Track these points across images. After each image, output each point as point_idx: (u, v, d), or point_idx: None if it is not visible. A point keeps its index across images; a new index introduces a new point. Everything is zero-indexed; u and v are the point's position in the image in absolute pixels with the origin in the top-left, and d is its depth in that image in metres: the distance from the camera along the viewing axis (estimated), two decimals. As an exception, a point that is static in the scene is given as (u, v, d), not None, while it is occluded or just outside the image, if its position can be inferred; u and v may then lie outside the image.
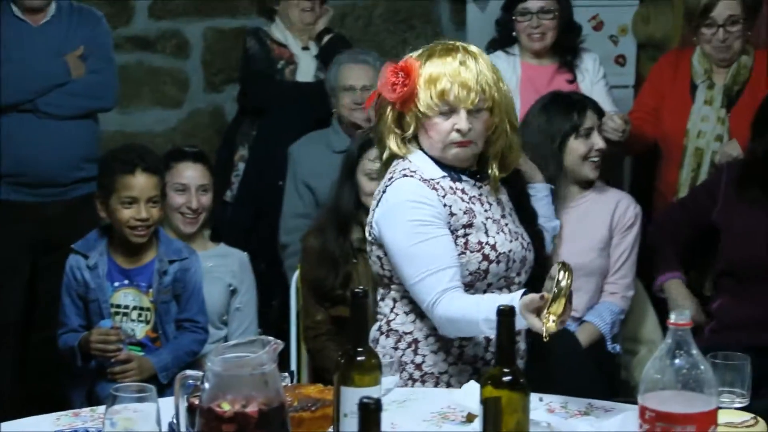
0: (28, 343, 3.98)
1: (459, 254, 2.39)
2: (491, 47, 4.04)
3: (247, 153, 4.25)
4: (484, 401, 1.85)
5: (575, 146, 3.39)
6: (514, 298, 2.21)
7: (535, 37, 3.92)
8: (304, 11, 4.26)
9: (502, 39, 4.02)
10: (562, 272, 2.14)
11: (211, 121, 5.01)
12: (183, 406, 1.96)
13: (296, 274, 3.48)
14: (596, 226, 3.44)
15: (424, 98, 2.37)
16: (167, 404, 1.98)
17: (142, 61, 4.92)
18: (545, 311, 2.15)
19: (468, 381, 2.30)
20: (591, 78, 3.99)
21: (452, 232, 2.40)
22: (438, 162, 2.45)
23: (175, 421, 1.99)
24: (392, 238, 2.41)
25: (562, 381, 2.88)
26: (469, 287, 2.42)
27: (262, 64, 4.27)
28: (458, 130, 2.38)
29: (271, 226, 3.92)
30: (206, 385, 1.83)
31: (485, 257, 2.41)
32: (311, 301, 3.27)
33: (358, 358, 1.95)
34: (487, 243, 2.41)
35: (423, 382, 2.48)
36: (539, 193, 2.63)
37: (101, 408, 2.19)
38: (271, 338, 1.88)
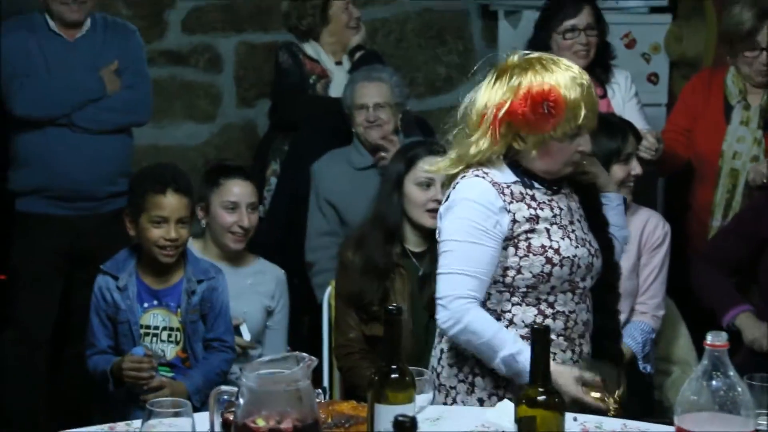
0: (61, 357, 4.00)
1: (522, 257, 2.46)
2: None
3: (279, 168, 4.26)
4: (519, 420, 1.86)
5: (615, 171, 3.36)
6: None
7: (582, 53, 3.92)
8: (350, 29, 4.29)
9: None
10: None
11: (243, 135, 5.04)
12: (218, 421, 1.97)
13: (328, 291, 3.49)
14: (627, 247, 3.43)
15: (562, 127, 2.42)
16: (201, 419, 1.99)
17: (175, 75, 4.95)
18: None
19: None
20: (623, 95, 3.99)
21: (515, 238, 2.47)
22: (514, 167, 2.50)
23: (209, 436, 2.00)
24: (446, 228, 2.49)
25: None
26: (533, 289, 2.48)
27: (294, 79, 4.29)
28: (582, 152, 2.48)
29: (303, 241, 3.92)
30: (241, 401, 1.84)
31: (548, 260, 2.46)
32: (345, 318, 3.27)
33: (392, 376, 1.96)
34: (550, 247, 2.47)
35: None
36: (612, 203, 2.63)
37: (137, 422, 2.20)
38: (305, 354, 1.89)
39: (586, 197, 2.59)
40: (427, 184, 3.21)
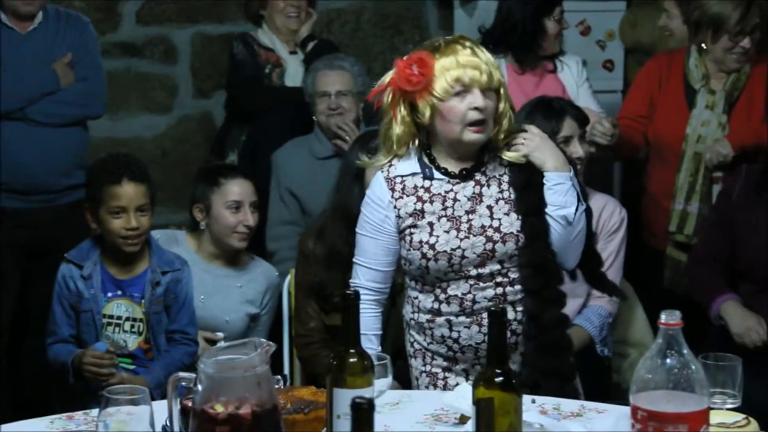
0: (20, 350, 3.97)
1: (407, 250, 2.60)
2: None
3: (237, 159, 4.25)
4: (477, 402, 1.87)
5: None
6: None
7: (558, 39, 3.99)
8: (288, 17, 4.28)
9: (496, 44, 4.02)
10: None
11: (200, 127, 5.02)
12: (176, 408, 1.97)
13: (288, 279, 3.49)
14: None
15: (440, 84, 2.51)
16: (160, 407, 1.98)
17: (130, 67, 4.93)
18: None
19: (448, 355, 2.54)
20: (575, 79, 4.02)
21: (402, 232, 2.61)
22: (431, 158, 2.60)
23: (168, 423, 1.99)
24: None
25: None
26: (421, 279, 2.62)
27: (249, 69, 4.28)
28: (476, 108, 2.51)
29: (263, 231, 3.92)
30: (199, 387, 1.83)
31: (423, 255, 2.57)
32: (305, 307, 3.26)
33: (350, 360, 1.96)
34: (426, 242, 2.57)
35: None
36: (548, 182, 2.60)
37: (95, 411, 2.19)
38: (263, 340, 1.89)
39: (518, 178, 2.60)
40: None
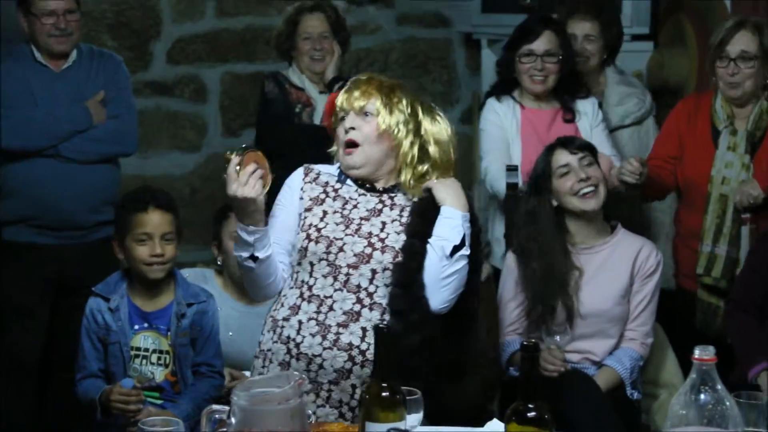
0: (47, 386, 4.00)
1: (298, 233, 2.74)
2: (493, 92, 4.08)
3: (265, 197, 4.27)
4: (510, 437, 1.88)
5: (556, 184, 3.44)
6: None
7: (537, 79, 3.95)
8: (313, 59, 4.32)
9: (504, 82, 4.05)
10: None
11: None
12: (209, 440, 1.98)
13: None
14: (618, 273, 3.46)
15: (334, 117, 2.79)
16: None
17: (161, 105, 4.99)
18: None
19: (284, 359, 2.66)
20: (590, 121, 4.02)
21: (300, 214, 2.77)
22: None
23: (201, 456, 2.00)
24: None
25: (582, 424, 2.89)
26: (300, 267, 2.73)
27: (280, 108, 4.32)
28: (345, 129, 2.72)
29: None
30: (232, 420, 1.85)
31: (308, 236, 2.72)
32: None
33: (383, 394, 1.97)
34: (314, 225, 2.72)
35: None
36: (442, 215, 2.75)
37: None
38: (296, 373, 1.92)
39: (420, 208, 2.75)
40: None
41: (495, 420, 2.28)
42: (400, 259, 2.68)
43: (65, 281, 3.88)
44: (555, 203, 3.48)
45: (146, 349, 3.24)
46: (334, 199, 2.76)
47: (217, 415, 1.97)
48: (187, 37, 5.01)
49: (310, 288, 2.69)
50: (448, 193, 2.75)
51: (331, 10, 4.38)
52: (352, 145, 2.73)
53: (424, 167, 2.76)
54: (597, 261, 3.47)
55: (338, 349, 2.64)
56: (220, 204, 3.91)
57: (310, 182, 2.80)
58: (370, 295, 2.67)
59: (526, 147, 3.95)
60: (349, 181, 2.79)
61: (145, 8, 4.93)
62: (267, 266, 2.68)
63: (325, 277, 2.68)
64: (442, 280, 2.69)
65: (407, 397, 2.06)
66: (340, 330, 2.65)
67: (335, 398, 2.67)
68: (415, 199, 2.76)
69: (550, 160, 3.48)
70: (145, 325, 3.25)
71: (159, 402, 3.23)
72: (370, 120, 2.72)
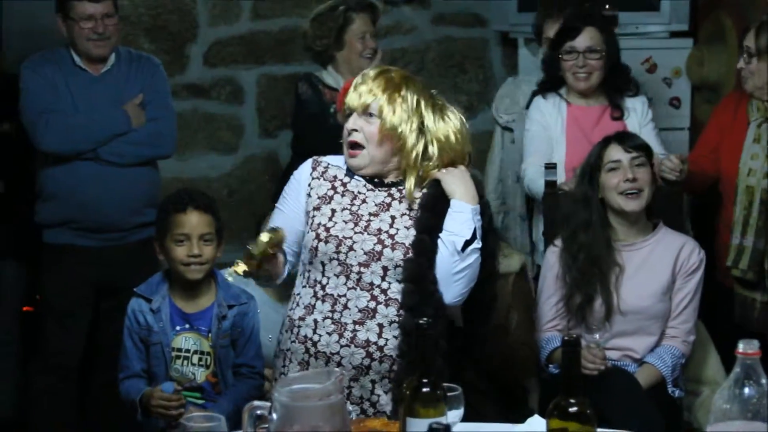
0: (89, 387, 4.04)
1: (307, 232, 2.76)
2: (540, 89, 4.08)
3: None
4: (551, 432, 1.88)
5: (603, 178, 3.44)
6: None
7: (581, 76, 3.95)
8: (365, 58, 4.33)
9: (550, 80, 4.06)
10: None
11: (265, 166, 5.10)
12: (251, 437, 2.00)
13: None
14: (660, 271, 3.45)
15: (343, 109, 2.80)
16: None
17: (197, 108, 5.02)
18: None
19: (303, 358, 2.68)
20: (639, 120, 4.01)
21: (308, 212, 2.78)
22: None
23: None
24: None
25: (623, 421, 2.87)
26: (311, 266, 2.75)
27: (314, 109, 4.34)
28: (349, 131, 2.74)
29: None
30: (274, 416, 1.87)
31: (317, 236, 2.72)
32: None
33: (423, 390, 1.98)
34: (323, 225, 2.73)
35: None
36: (451, 208, 2.74)
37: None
38: (336, 369, 1.93)
39: (430, 201, 2.74)
40: None
41: (536, 416, 2.27)
42: (410, 255, 2.68)
43: (105, 283, 3.92)
44: (600, 197, 3.47)
45: (187, 350, 3.26)
46: (343, 195, 2.77)
47: (258, 411, 1.99)
48: (224, 40, 5.04)
49: (323, 287, 2.71)
50: (458, 185, 2.73)
51: (376, 9, 4.39)
52: (355, 146, 2.73)
53: (429, 164, 2.74)
54: (638, 258, 3.46)
55: (356, 347, 2.66)
56: (256, 205, 3.96)
57: (317, 178, 2.80)
58: (384, 291, 2.69)
59: (571, 145, 3.95)
60: (356, 176, 2.80)
61: (182, 12, 4.97)
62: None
63: (337, 276, 2.70)
64: (454, 275, 2.70)
65: (448, 393, 2.06)
66: (357, 327, 2.67)
67: (356, 395, 2.69)
68: (424, 191, 2.75)
69: (603, 153, 3.47)
70: (187, 326, 3.28)
71: (200, 402, 3.26)
72: (374, 121, 2.71)
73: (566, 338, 1.91)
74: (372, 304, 2.67)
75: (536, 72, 4.37)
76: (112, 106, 3.91)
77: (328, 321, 2.68)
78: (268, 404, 1.92)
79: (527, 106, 4.14)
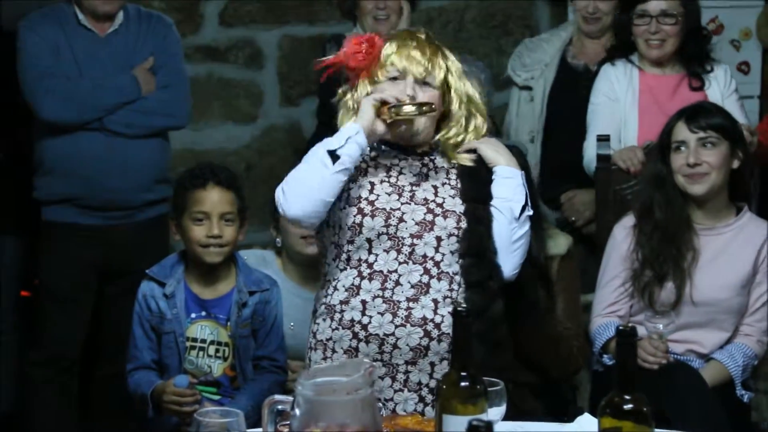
0: (92, 380, 4.07)
1: (341, 209, 2.76)
2: (610, 55, 4.06)
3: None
4: (603, 432, 1.88)
5: (672, 160, 3.45)
6: None
7: (654, 43, 3.94)
8: (377, 20, 4.32)
9: (622, 45, 4.04)
10: None
11: (287, 137, 5.10)
12: (272, 434, 2.01)
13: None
14: (740, 261, 3.44)
15: (379, 67, 2.80)
16: (253, 434, 2.02)
17: (213, 72, 5.02)
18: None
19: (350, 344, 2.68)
20: (721, 90, 3.98)
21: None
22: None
23: (263, 451, 2.03)
24: None
25: (684, 421, 2.88)
26: (351, 246, 2.76)
27: (343, 74, 4.33)
28: (411, 96, 2.74)
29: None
30: (296, 412, 1.87)
31: (360, 211, 2.75)
32: None
33: (462, 384, 1.98)
34: (365, 198, 2.76)
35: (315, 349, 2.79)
36: (498, 175, 2.82)
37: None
38: (366, 360, 1.93)
39: (470, 171, 2.82)
40: None
41: (586, 414, 2.28)
42: (464, 224, 2.75)
43: (111, 265, 3.93)
44: None
45: (203, 340, 3.28)
46: (376, 168, 2.82)
47: (279, 407, 2.00)
48: (242, -4, 5.05)
49: (370, 265, 2.74)
50: (499, 153, 2.86)
51: None
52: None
53: (467, 134, 2.84)
54: (718, 244, 3.45)
55: (412, 326, 2.69)
56: (277, 181, 3.93)
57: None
58: (437, 264, 2.74)
59: (644, 117, 3.93)
60: (384, 147, 2.84)
61: (195, -35, 4.98)
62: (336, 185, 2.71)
63: (387, 251, 2.74)
64: (513, 243, 2.79)
65: (489, 388, 2.07)
66: (411, 305, 2.70)
67: (413, 380, 2.72)
68: (455, 163, 2.83)
69: (670, 131, 3.46)
70: (203, 313, 3.29)
71: (216, 398, 3.28)
72: (428, 90, 2.78)
73: (621, 327, 1.91)
74: (425, 279, 2.72)
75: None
76: (119, 71, 3.91)
77: (379, 300, 2.71)
78: (290, 399, 1.93)
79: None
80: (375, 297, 2.71)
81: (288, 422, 1.93)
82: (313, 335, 2.81)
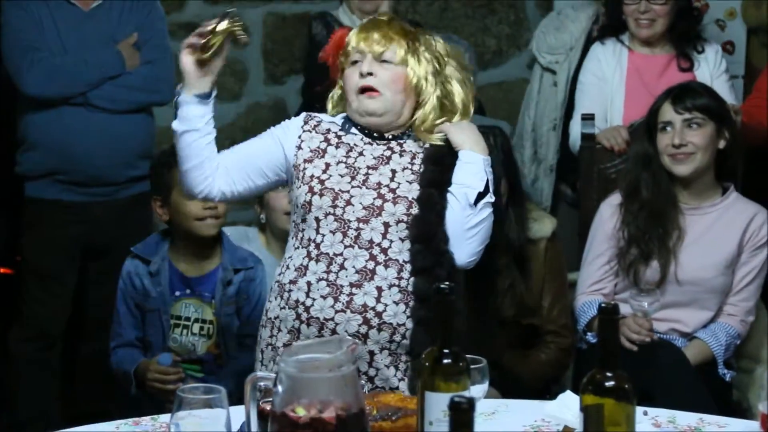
0: (75, 357, 4.06)
1: (297, 187, 2.75)
2: (601, 34, 4.06)
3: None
4: (585, 409, 1.88)
5: (658, 140, 3.46)
6: None
7: (643, 23, 3.95)
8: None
9: (613, 24, 4.03)
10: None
11: (272, 115, 5.07)
12: (254, 411, 2.00)
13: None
14: (725, 241, 3.45)
15: (344, 54, 2.78)
16: (235, 412, 2.02)
17: (197, 49, 4.99)
18: None
19: (293, 325, 2.66)
20: (711, 71, 3.98)
21: (297, 166, 2.76)
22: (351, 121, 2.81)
23: (246, 428, 2.03)
24: None
25: (666, 396, 2.89)
26: (304, 224, 2.74)
27: (329, 52, 4.31)
28: (361, 73, 2.71)
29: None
30: (279, 389, 1.87)
31: (310, 189, 2.72)
32: None
33: (444, 361, 1.98)
34: (317, 177, 2.73)
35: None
36: (461, 159, 2.73)
37: (164, 417, 2.25)
38: (348, 338, 1.93)
39: (435, 155, 2.74)
40: None
41: (568, 392, 2.28)
42: (415, 210, 2.69)
43: (94, 242, 3.92)
44: None
45: (188, 318, 3.28)
46: (337, 147, 2.77)
47: (262, 383, 1.99)
48: (226, -27, 5.02)
49: (317, 246, 2.70)
50: (467, 136, 2.76)
51: None
52: (369, 89, 2.73)
53: (443, 117, 2.78)
54: (703, 224, 3.46)
55: (352, 312, 2.64)
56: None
57: (309, 131, 2.80)
58: (384, 250, 2.68)
59: (631, 98, 3.94)
60: (354, 129, 2.80)
61: (179, -60, 4.95)
62: (192, 144, 2.74)
63: (333, 233, 2.69)
64: (467, 231, 2.71)
65: (471, 366, 2.06)
66: (354, 290, 2.66)
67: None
68: (427, 145, 2.77)
69: (657, 111, 3.46)
70: (188, 291, 3.29)
71: (200, 375, 3.28)
72: (389, 68, 2.73)
73: (603, 305, 1.91)
74: (371, 265, 2.67)
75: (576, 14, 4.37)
76: (103, 46, 3.89)
77: (323, 283, 2.67)
78: (273, 376, 1.92)
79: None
80: (319, 279, 2.67)
81: (270, 399, 1.93)
82: (265, 313, 2.80)
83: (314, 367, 1.87)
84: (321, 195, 2.70)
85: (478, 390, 2.16)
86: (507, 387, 2.98)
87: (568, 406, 2.19)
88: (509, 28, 5.36)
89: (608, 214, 3.51)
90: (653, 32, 3.96)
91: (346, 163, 2.75)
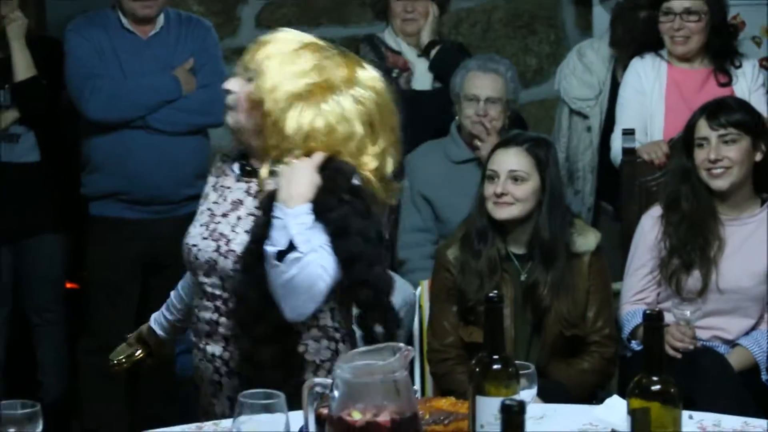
0: (137, 371, 4.09)
1: None
2: (640, 50, 4.05)
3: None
4: (632, 412, 1.87)
5: (695, 155, 3.43)
6: None
7: (678, 40, 3.92)
8: (405, 21, 4.32)
9: (651, 41, 4.02)
10: None
11: (322, 135, 5.10)
12: (312, 415, 2.01)
13: (418, 291, 3.52)
14: (765, 250, 3.41)
15: None
16: (293, 416, 2.03)
17: (250, 73, 5.03)
18: None
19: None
20: (749, 85, 3.96)
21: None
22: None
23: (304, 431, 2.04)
24: None
25: (710, 402, 2.86)
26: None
27: (377, 73, 4.33)
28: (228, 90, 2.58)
29: (394, 237, 3.96)
30: (335, 394, 1.88)
31: (182, 242, 2.62)
32: (441, 321, 3.28)
33: (494, 367, 1.98)
34: (188, 231, 2.62)
35: None
36: (274, 212, 2.42)
37: (226, 422, 2.27)
38: (401, 345, 1.93)
39: (265, 202, 2.47)
40: (491, 177, 3.25)
41: (615, 396, 2.27)
42: (229, 260, 2.49)
43: (155, 257, 3.97)
44: None
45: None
46: (216, 191, 2.61)
47: (318, 389, 2.00)
48: (277, 0, 5.06)
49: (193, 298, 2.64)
50: (284, 184, 2.42)
51: None
52: (229, 105, 2.58)
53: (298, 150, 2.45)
54: (742, 234, 3.44)
55: (207, 361, 2.56)
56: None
57: (213, 174, 2.67)
58: (225, 302, 2.52)
59: (671, 112, 3.92)
60: (234, 166, 2.60)
61: (232, -30, 5.00)
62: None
63: (191, 286, 2.66)
64: (279, 287, 2.39)
65: (520, 371, 2.06)
66: (206, 341, 2.56)
67: (217, 412, 2.56)
68: (262, 174, 2.50)
69: (693, 126, 3.45)
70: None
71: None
72: (246, 85, 2.53)
73: (648, 312, 1.90)
74: (215, 317, 2.54)
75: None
76: (161, 71, 3.95)
77: (191, 334, 2.65)
78: (329, 381, 1.94)
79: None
80: (194, 332, 2.62)
81: (327, 404, 1.94)
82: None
83: (369, 373, 1.88)
84: (182, 251, 2.60)
85: (526, 395, 2.15)
86: (551, 396, 2.97)
87: (615, 410, 2.18)
88: (549, 47, 5.36)
89: (649, 226, 3.49)
90: (688, 49, 3.95)
91: (210, 210, 2.59)
